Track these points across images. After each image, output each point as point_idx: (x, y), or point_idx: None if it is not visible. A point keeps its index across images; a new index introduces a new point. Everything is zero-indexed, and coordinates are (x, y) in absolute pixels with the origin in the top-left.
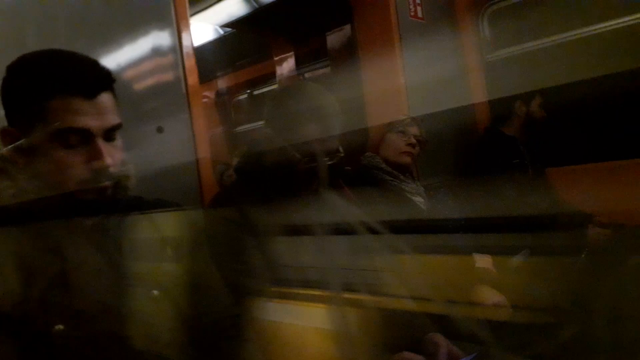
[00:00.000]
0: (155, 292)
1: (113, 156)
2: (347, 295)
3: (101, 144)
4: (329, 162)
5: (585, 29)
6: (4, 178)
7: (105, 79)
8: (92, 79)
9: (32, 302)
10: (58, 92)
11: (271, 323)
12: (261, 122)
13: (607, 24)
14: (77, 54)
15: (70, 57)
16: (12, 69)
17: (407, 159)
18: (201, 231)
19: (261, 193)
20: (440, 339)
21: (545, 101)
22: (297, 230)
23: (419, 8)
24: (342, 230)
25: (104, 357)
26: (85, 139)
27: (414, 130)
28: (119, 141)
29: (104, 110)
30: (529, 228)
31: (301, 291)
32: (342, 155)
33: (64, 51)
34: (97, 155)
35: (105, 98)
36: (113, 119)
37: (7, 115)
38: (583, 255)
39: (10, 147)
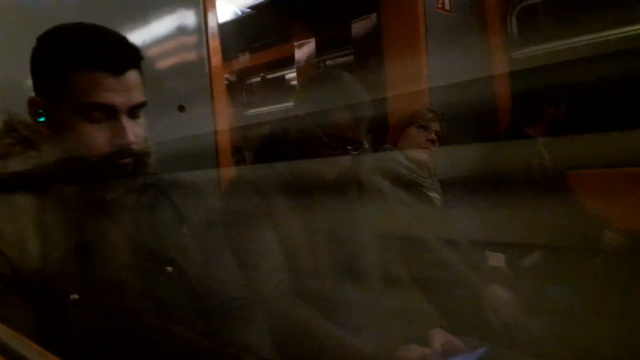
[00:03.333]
0: (169, 268)
1: (136, 134)
2: None
3: (125, 121)
4: (353, 153)
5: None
6: (29, 146)
7: (133, 56)
8: (120, 55)
9: (49, 271)
10: (85, 66)
11: None
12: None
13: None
14: (107, 29)
15: (100, 32)
16: (42, 39)
17: (425, 155)
18: (218, 211)
19: (282, 175)
20: (442, 333)
21: (569, 103)
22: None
23: (446, 0)
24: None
25: (115, 329)
26: (109, 115)
27: (435, 126)
28: (142, 119)
29: (130, 87)
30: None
31: None
32: (365, 147)
33: (94, 25)
34: (120, 131)
35: (132, 75)
36: (138, 97)
37: (34, 84)
38: (597, 260)
39: (36, 116)
